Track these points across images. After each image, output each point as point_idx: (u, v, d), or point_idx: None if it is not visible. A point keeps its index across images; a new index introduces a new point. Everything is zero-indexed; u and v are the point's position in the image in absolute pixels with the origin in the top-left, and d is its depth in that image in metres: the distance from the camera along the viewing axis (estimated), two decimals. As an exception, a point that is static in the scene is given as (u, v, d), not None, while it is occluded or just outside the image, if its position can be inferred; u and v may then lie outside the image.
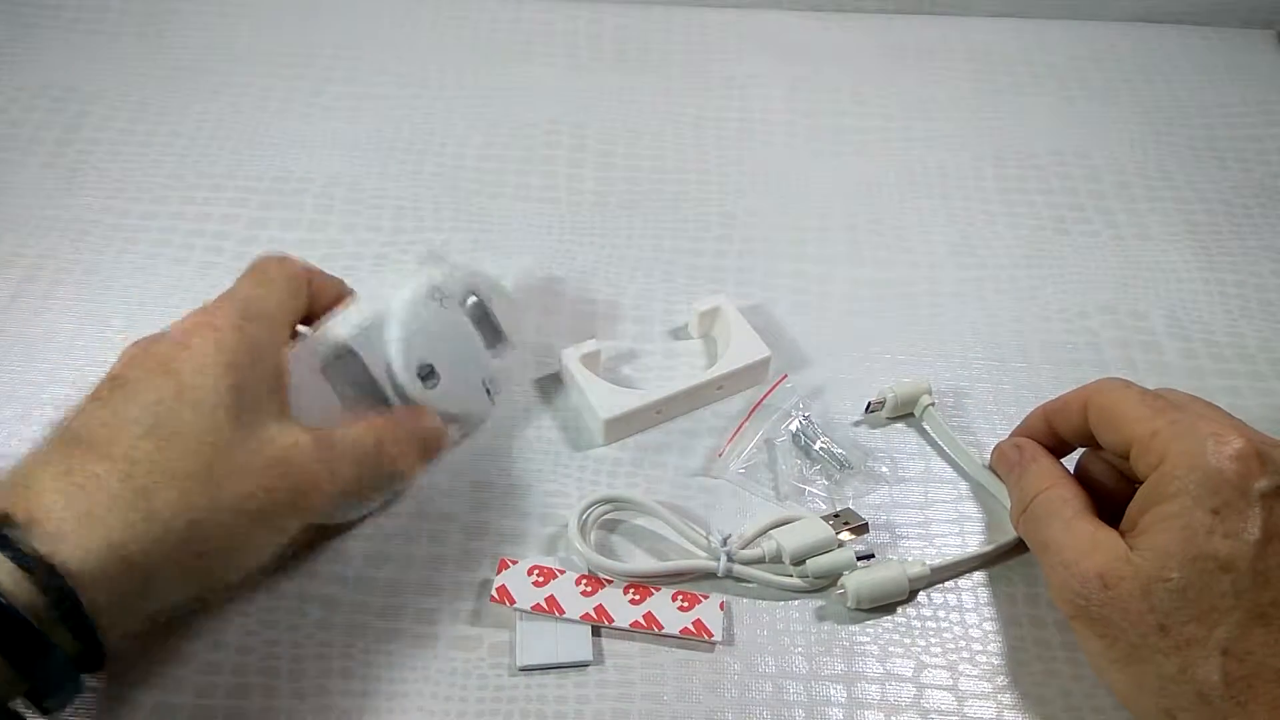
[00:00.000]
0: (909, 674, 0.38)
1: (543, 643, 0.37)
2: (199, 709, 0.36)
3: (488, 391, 0.43)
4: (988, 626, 0.39)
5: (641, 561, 0.40)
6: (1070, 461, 0.40)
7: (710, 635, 0.38)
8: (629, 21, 0.67)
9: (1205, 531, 0.32)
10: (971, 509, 0.43)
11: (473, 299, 0.42)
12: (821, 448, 0.44)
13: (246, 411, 0.33)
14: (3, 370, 0.46)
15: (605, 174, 0.57)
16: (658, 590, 0.39)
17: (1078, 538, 0.35)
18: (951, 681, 0.37)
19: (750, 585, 0.39)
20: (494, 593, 0.38)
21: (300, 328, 0.39)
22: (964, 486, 0.44)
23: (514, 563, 0.39)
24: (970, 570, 0.41)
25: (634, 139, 0.59)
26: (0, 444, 0.43)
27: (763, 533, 0.40)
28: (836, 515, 0.41)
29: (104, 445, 0.31)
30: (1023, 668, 0.38)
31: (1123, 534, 0.34)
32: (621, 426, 0.44)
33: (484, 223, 0.54)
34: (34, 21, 0.64)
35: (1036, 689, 0.37)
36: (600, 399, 0.43)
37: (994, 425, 0.46)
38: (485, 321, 0.43)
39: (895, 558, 0.40)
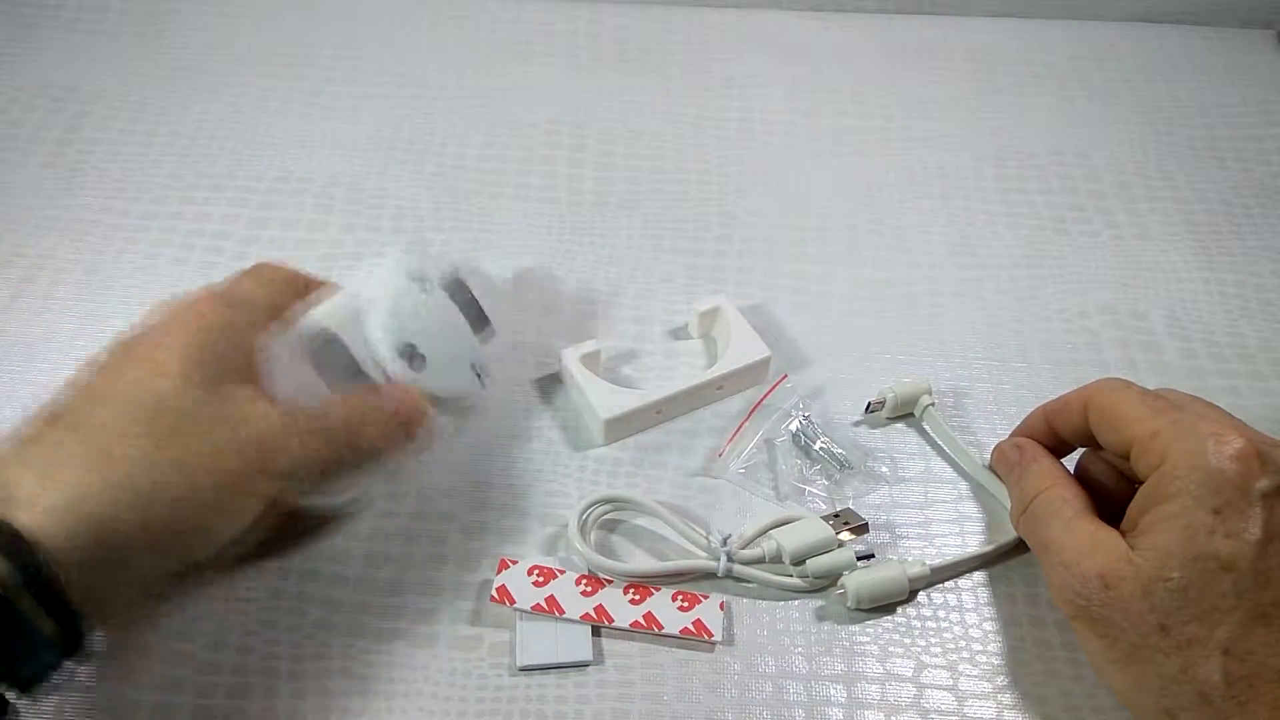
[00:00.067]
0: (909, 674, 0.38)
1: (543, 643, 0.37)
2: (199, 709, 0.36)
3: (478, 375, 0.42)
4: (988, 626, 0.39)
5: (641, 561, 0.40)
6: (1070, 461, 0.40)
7: (710, 635, 0.38)
8: (629, 21, 0.67)
9: (1206, 531, 0.32)
10: (971, 509, 0.43)
11: (455, 282, 0.42)
12: (821, 448, 0.44)
13: (213, 379, 0.33)
14: (3, 370, 0.46)
15: (605, 174, 0.57)
16: (658, 590, 0.39)
17: (1078, 538, 0.35)
18: (951, 681, 0.37)
19: (750, 585, 0.39)
20: (494, 593, 0.38)
21: None
22: (964, 486, 0.44)
23: (514, 563, 0.39)
24: (970, 570, 0.41)
25: (634, 139, 0.59)
26: (0, 444, 0.43)
27: (763, 533, 0.40)
28: (836, 515, 0.41)
29: (70, 415, 0.32)
30: (1023, 668, 0.38)
31: (1123, 534, 0.34)
32: (621, 426, 0.44)
33: (484, 223, 0.54)
34: (34, 21, 0.64)
35: (1036, 689, 0.37)
36: (600, 399, 0.43)
37: (994, 425, 0.46)
38: (470, 306, 0.42)
39: (895, 558, 0.40)
